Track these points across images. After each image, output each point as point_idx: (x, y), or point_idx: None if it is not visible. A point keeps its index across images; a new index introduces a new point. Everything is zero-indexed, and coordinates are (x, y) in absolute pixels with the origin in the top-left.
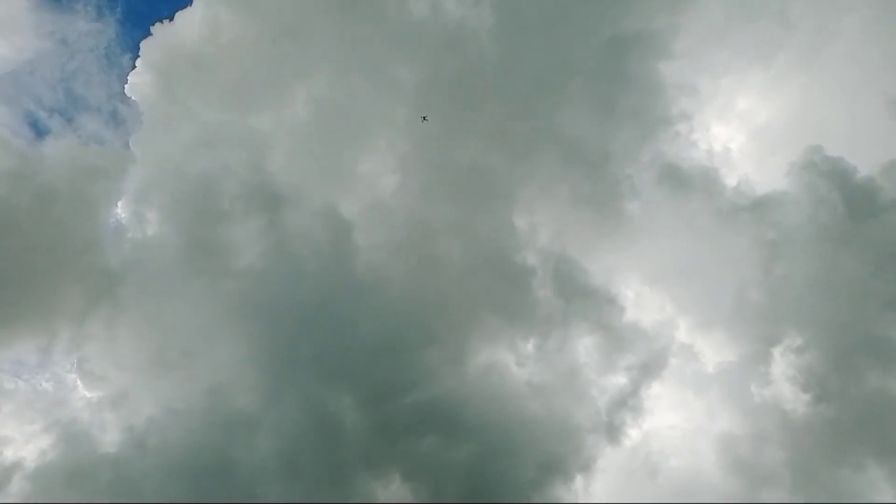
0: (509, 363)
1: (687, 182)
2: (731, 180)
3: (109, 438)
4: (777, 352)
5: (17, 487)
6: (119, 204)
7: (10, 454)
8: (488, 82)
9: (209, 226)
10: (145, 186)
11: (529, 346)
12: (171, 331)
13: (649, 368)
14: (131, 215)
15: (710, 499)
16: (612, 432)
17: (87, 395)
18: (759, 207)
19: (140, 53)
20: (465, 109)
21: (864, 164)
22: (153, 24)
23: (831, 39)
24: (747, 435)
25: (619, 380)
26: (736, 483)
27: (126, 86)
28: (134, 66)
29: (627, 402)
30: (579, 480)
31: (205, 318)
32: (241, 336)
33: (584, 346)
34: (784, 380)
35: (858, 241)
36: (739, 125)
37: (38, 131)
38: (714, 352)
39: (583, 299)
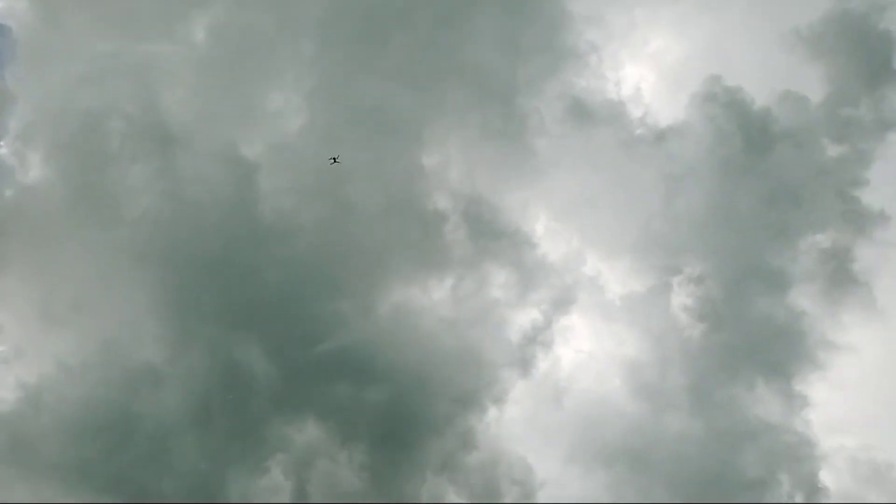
0: (423, 305)
1: (593, 114)
2: (636, 112)
3: (3, 396)
4: (676, 281)
5: None
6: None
7: None
8: (395, 16)
9: (99, 169)
10: (26, 126)
11: (444, 288)
12: (61, 283)
13: (559, 302)
14: (12, 157)
15: (617, 422)
16: (525, 365)
17: None
18: (662, 140)
19: None
20: (372, 44)
21: (761, 96)
22: None
23: None
24: (651, 361)
25: (532, 314)
26: (642, 407)
27: None
28: None
29: (538, 336)
30: (492, 412)
31: (97, 269)
32: (138, 288)
33: (498, 284)
34: (682, 309)
35: (754, 174)
36: (647, 59)
37: None
38: (619, 284)
39: (495, 239)
